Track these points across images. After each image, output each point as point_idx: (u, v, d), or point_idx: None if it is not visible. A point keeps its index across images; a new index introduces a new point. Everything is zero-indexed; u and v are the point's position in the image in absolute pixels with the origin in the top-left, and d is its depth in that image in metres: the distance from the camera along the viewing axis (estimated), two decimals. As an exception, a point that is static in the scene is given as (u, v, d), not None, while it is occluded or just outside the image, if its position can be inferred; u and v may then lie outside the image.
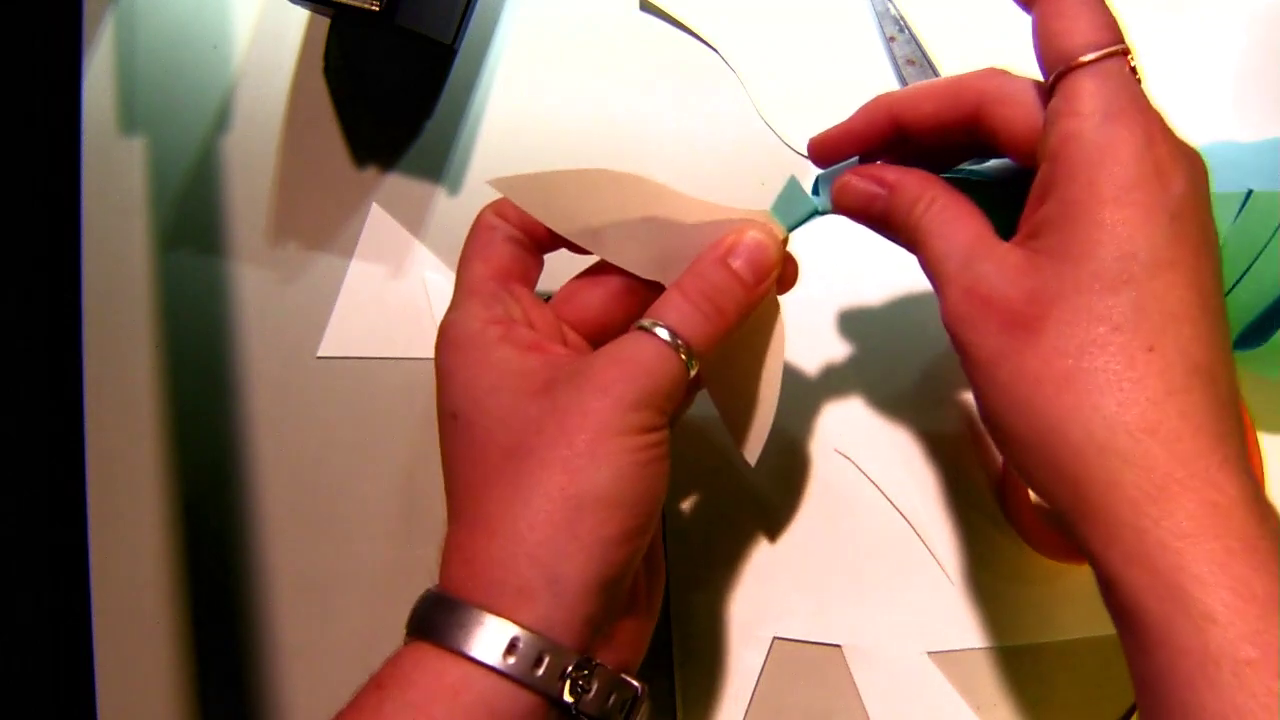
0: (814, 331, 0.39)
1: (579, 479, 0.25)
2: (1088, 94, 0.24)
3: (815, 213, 0.30)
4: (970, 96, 0.27)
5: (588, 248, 0.29)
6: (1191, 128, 0.26)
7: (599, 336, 0.30)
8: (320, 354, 0.40)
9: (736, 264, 0.29)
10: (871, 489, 0.37)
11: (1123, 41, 0.24)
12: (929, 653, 0.36)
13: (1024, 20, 0.42)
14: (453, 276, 0.40)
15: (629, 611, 0.27)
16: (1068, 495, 0.23)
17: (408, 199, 0.41)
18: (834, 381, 0.38)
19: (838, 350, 0.39)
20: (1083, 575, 0.37)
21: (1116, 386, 0.23)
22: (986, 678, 0.36)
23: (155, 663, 0.38)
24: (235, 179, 0.42)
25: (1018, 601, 0.36)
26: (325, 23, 0.43)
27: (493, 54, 0.43)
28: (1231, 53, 0.40)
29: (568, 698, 0.24)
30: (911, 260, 0.28)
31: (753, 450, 0.31)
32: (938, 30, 0.41)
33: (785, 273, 0.31)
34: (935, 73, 0.40)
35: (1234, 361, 0.24)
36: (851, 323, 0.39)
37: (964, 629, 0.36)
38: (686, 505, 0.38)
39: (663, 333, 0.27)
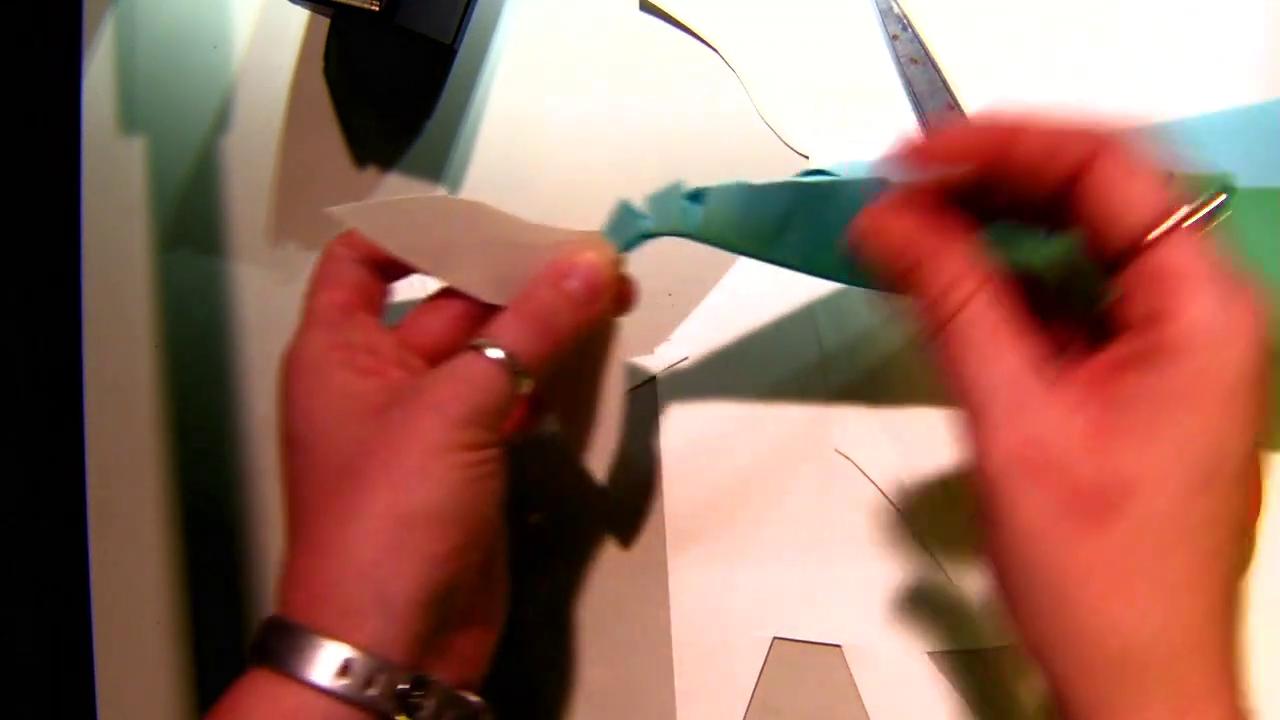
0: (813, 331, 0.39)
1: (407, 497, 0.25)
2: (1197, 270, 0.21)
3: (645, 235, 0.31)
4: (1075, 157, 0.23)
5: (431, 273, 0.30)
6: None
7: (442, 360, 0.30)
8: (320, 354, 0.40)
9: (569, 284, 0.29)
10: (871, 489, 0.37)
11: (1219, 195, 0.22)
12: (929, 653, 0.36)
13: (1025, 18, 0.42)
14: (453, 276, 0.40)
15: (465, 625, 0.27)
16: (1087, 696, 0.21)
17: (408, 199, 0.41)
18: (834, 381, 0.38)
19: (837, 349, 0.39)
20: (1083, 575, 0.37)
21: (1172, 597, 0.21)
22: (986, 678, 0.36)
23: (155, 663, 0.38)
24: (235, 179, 0.42)
25: (1018, 601, 0.36)
26: (325, 23, 0.43)
27: (493, 54, 0.43)
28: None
29: (400, 717, 0.25)
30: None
31: (600, 464, 0.32)
32: (941, 29, 0.41)
33: (622, 294, 0.32)
34: (938, 72, 0.40)
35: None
36: (851, 321, 0.39)
37: (964, 629, 0.36)
38: (686, 505, 0.38)
39: (494, 351, 0.27)
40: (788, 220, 0.31)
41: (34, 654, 0.40)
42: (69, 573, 0.39)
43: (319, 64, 0.43)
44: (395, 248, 0.30)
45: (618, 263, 0.31)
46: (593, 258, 0.30)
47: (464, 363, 0.27)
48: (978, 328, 0.23)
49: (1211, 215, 0.22)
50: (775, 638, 0.36)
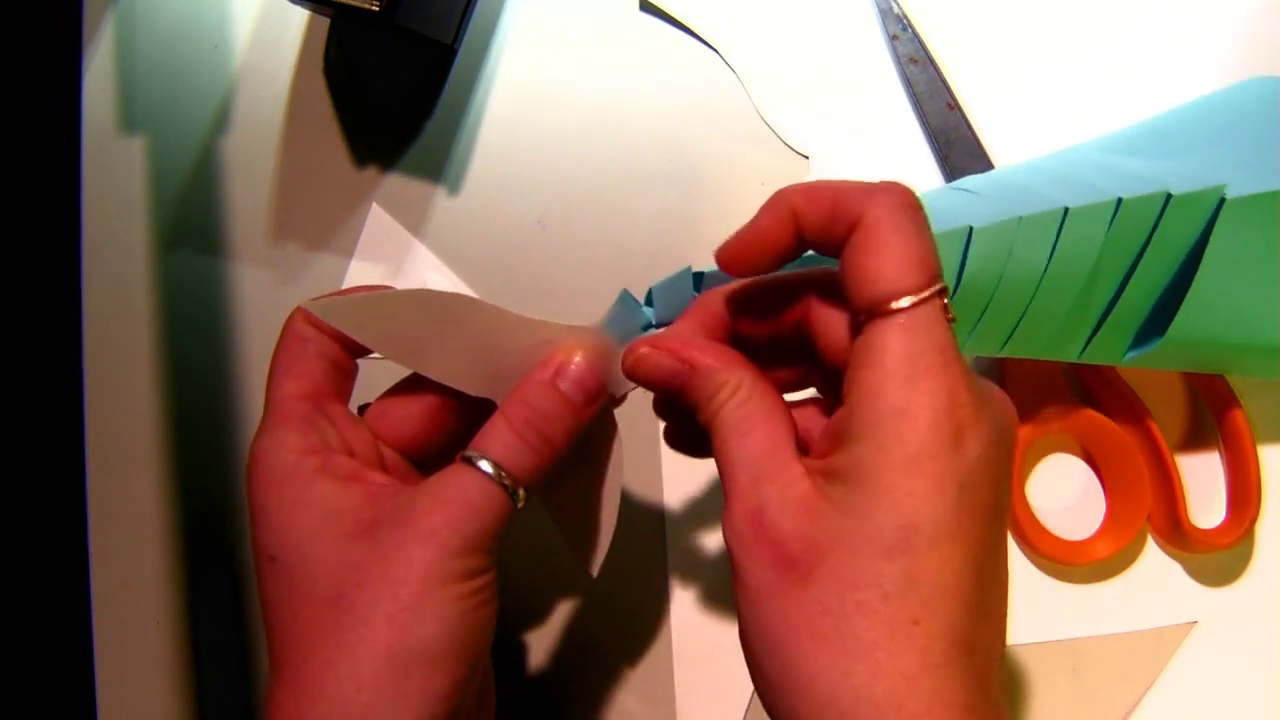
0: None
1: (405, 635, 0.24)
2: (892, 349, 0.23)
3: (650, 325, 0.30)
4: (846, 223, 0.24)
5: (413, 368, 0.28)
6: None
7: (418, 454, 0.29)
8: (320, 354, 0.40)
9: (564, 386, 0.27)
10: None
11: (938, 281, 0.23)
12: (929, 653, 0.36)
13: (1025, 16, 0.42)
14: (453, 276, 0.40)
15: None
16: None
17: (408, 199, 0.41)
18: (834, 381, 0.38)
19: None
20: (1083, 575, 0.37)
21: (872, 655, 0.22)
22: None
23: (155, 663, 0.38)
24: (235, 179, 0.42)
25: (1018, 601, 0.36)
26: (325, 23, 0.43)
27: (493, 54, 0.43)
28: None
29: None
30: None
31: (595, 562, 0.31)
32: (941, 28, 0.41)
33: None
34: (938, 71, 0.40)
35: (1003, 630, 0.24)
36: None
37: (964, 629, 0.36)
38: (686, 505, 0.38)
39: (487, 466, 0.26)
40: None
41: (34, 654, 0.40)
42: (69, 573, 0.39)
43: (319, 64, 0.43)
44: (374, 342, 0.28)
45: (614, 359, 0.28)
46: (588, 360, 0.28)
47: (456, 480, 0.25)
48: (735, 414, 0.25)
49: (935, 298, 0.23)
50: (775, 638, 0.36)
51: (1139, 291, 0.33)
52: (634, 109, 0.42)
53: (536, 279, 0.40)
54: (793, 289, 0.27)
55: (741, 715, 0.36)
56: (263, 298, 0.41)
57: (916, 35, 0.41)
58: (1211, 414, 0.37)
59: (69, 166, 0.42)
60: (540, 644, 0.37)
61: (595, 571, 0.30)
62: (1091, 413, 0.37)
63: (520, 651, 0.37)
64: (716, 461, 0.25)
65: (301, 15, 0.43)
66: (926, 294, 0.23)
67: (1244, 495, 0.35)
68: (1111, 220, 0.31)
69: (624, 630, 0.37)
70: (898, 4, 0.41)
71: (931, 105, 0.40)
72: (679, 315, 0.29)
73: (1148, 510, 0.36)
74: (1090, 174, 0.33)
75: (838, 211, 0.24)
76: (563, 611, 0.37)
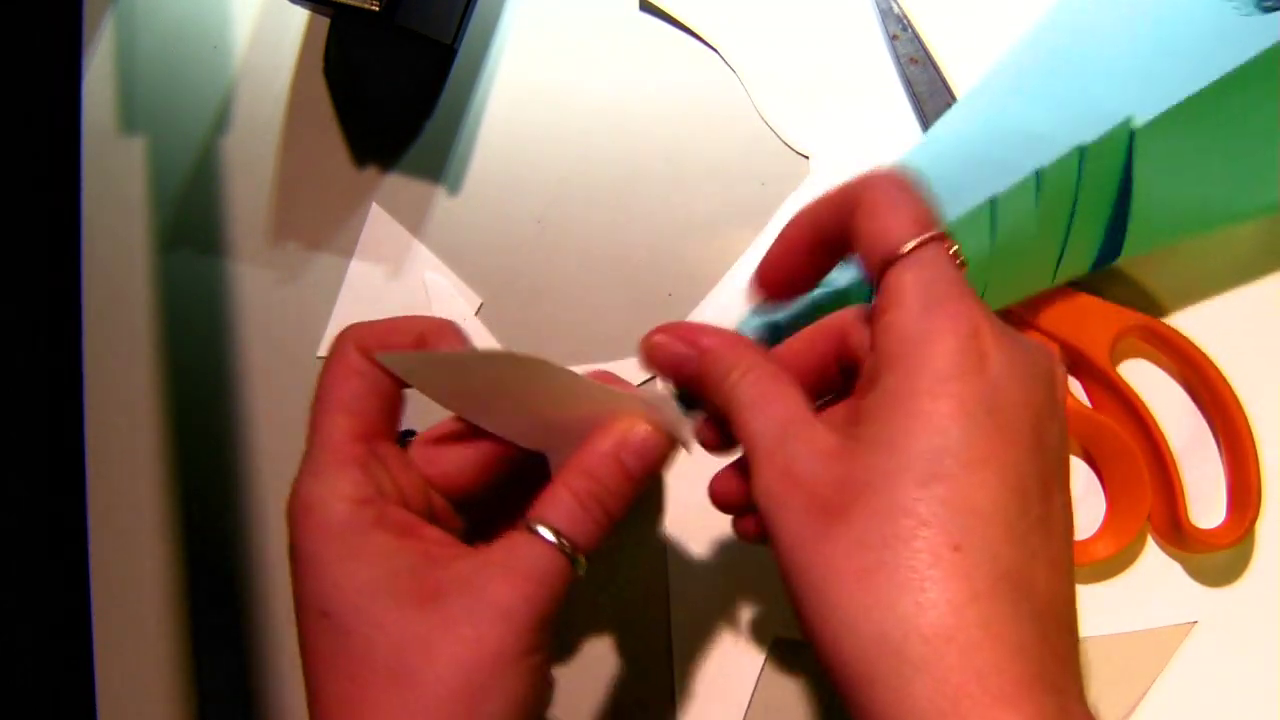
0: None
1: (473, 712, 0.23)
2: (908, 285, 0.23)
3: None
4: (851, 202, 0.26)
5: (475, 421, 0.28)
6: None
7: (464, 498, 0.29)
8: (320, 354, 0.40)
9: (626, 459, 0.27)
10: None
11: (938, 227, 0.24)
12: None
13: (1025, 17, 0.42)
14: (453, 276, 0.40)
15: None
16: (860, 697, 0.22)
17: (408, 199, 0.41)
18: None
19: (838, 350, 0.39)
20: (1083, 575, 0.37)
21: (917, 586, 0.21)
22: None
23: (155, 663, 0.38)
24: (235, 179, 0.42)
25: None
26: (325, 23, 0.43)
27: (493, 54, 0.43)
28: None
29: None
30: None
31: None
32: (941, 28, 0.41)
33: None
34: (938, 71, 0.40)
35: (1069, 572, 0.23)
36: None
37: (964, 629, 0.36)
38: (687, 505, 0.38)
39: (551, 535, 0.25)
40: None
41: (34, 654, 0.40)
42: (69, 573, 0.39)
43: (319, 64, 0.43)
44: (440, 397, 0.27)
45: (676, 430, 0.28)
46: (651, 432, 0.28)
47: (527, 551, 0.25)
48: (750, 390, 0.25)
49: (938, 240, 0.24)
50: (775, 638, 0.36)
51: (1084, 230, 0.34)
52: (634, 109, 0.42)
53: (536, 279, 0.40)
54: (831, 327, 0.28)
55: (741, 715, 0.36)
56: (263, 298, 0.41)
57: (916, 35, 0.41)
58: (1211, 414, 0.37)
59: (69, 166, 0.42)
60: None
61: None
62: (1091, 412, 0.37)
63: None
64: (739, 438, 0.25)
65: (301, 15, 0.43)
66: (929, 234, 0.24)
67: (1244, 495, 0.35)
68: (1037, 192, 0.33)
69: (624, 630, 0.37)
70: (898, 4, 0.41)
71: (931, 105, 0.40)
72: None
73: (1148, 510, 0.36)
74: (999, 149, 0.34)
75: (843, 202, 0.25)
76: (562, 611, 0.37)
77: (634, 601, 0.37)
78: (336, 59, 0.43)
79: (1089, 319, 0.37)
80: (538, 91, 0.42)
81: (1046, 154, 0.33)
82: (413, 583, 0.24)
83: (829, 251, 0.27)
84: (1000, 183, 0.33)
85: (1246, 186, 0.36)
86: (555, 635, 0.26)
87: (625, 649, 0.37)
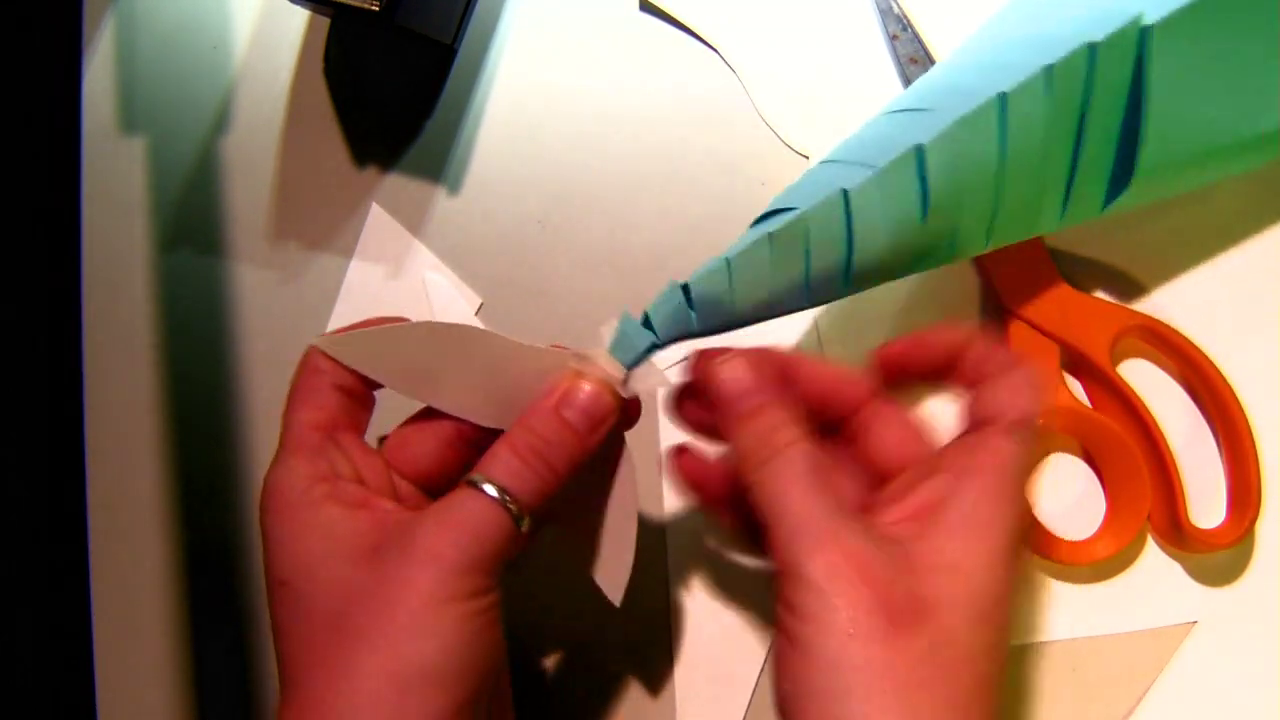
0: (814, 334, 0.39)
1: (403, 656, 0.24)
2: (1010, 449, 0.26)
3: (656, 345, 0.29)
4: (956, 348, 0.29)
5: (424, 400, 0.28)
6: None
7: (434, 486, 0.29)
8: (320, 354, 0.40)
9: (569, 414, 0.28)
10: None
11: (1036, 419, 0.27)
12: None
13: (1024, 20, 0.41)
14: (453, 276, 0.40)
15: None
16: None
17: (408, 199, 0.41)
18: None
19: (838, 349, 0.39)
20: (1083, 575, 0.37)
21: (951, 711, 0.24)
22: (987, 678, 0.36)
23: (155, 663, 0.38)
24: (235, 179, 0.42)
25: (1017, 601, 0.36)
26: (325, 23, 0.43)
27: (493, 54, 0.43)
28: None
29: None
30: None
31: (615, 592, 0.31)
32: (941, 28, 0.41)
33: (629, 410, 0.30)
34: (935, 72, 0.40)
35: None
36: (851, 321, 0.39)
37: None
38: (686, 505, 0.38)
39: (491, 489, 0.26)
40: (773, 274, 0.30)
41: (34, 654, 0.40)
42: (69, 573, 0.39)
43: (319, 64, 0.43)
44: (383, 377, 0.28)
45: (621, 383, 0.29)
46: (593, 386, 0.28)
47: (460, 503, 0.26)
48: (797, 465, 0.26)
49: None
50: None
51: (1096, 143, 0.33)
52: (634, 109, 0.42)
53: (536, 279, 0.40)
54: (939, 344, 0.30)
55: (741, 715, 0.36)
56: (263, 298, 0.41)
57: (916, 35, 0.41)
58: (1211, 414, 0.37)
59: (69, 166, 0.42)
60: (540, 643, 0.37)
61: (618, 601, 0.30)
62: (1091, 412, 0.37)
63: (519, 651, 0.37)
64: (768, 505, 0.26)
65: (301, 15, 0.43)
66: (1032, 417, 0.27)
67: (1244, 495, 0.35)
68: (1046, 90, 0.31)
69: (624, 630, 0.37)
70: (898, 4, 0.41)
71: (931, 105, 0.40)
72: (680, 331, 0.29)
73: (1148, 510, 0.36)
74: (1011, 53, 0.33)
75: (986, 361, 0.29)
76: (562, 611, 0.37)
77: (634, 601, 0.37)
78: (336, 59, 0.43)
79: (1089, 319, 0.37)
80: (538, 91, 0.42)
81: (1058, 55, 0.31)
82: (360, 545, 0.26)
83: (930, 373, 0.30)
84: (1011, 84, 0.31)
85: (1250, 110, 0.34)
86: (498, 590, 0.26)
87: (625, 649, 0.37)
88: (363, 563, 0.25)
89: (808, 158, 0.41)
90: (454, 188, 0.41)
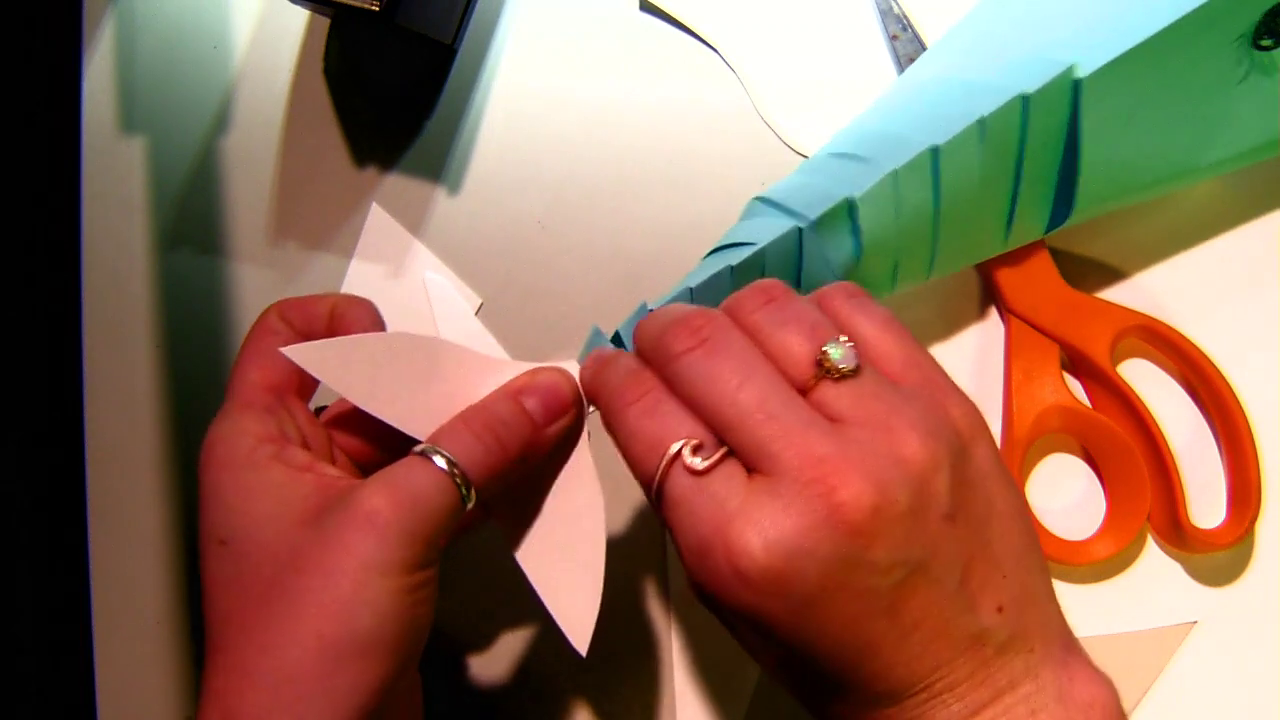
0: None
1: (338, 625, 0.24)
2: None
3: None
4: None
5: (383, 418, 0.27)
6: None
7: (366, 463, 0.29)
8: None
9: (527, 402, 0.28)
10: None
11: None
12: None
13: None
14: (453, 276, 0.40)
15: None
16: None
17: (408, 199, 0.41)
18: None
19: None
20: (1083, 575, 0.37)
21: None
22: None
23: (155, 663, 0.38)
24: (235, 179, 0.42)
25: (1018, 602, 0.36)
26: (325, 23, 0.43)
27: (493, 54, 0.43)
28: None
29: None
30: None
31: (583, 638, 0.28)
32: (941, 29, 0.41)
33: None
34: (935, 72, 0.40)
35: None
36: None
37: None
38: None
39: (440, 460, 0.25)
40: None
41: (34, 654, 0.40)
42: (69, 572, 0.39)
43: (319, 64, 0.43)
44: (346, 389, 0.27)
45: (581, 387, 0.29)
46: (554, 377, 0.28)
47: (406, 469, 0.25)
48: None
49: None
50: (775, 638, 0.36)
51: (1034, 183, 0.34)
52: (634, 109, 0.42)
53: (536, 279, 0.40)
54: None
55: (741, 716, 0.36)
56: (263, 298, 0.41)
57: (916, 35, 0.41)
58: (1211, 414, 0.37)
59: (69, 166, 0.42)
60: (539, 643, 0.37)
61: (584, 650, 0.28)
62: (1091, 412, 0.37)
63: (519, 651, 0.37)
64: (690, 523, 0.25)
65: (301, 15, 0.43)
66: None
67: (1244, 495, 0.35)
68: (980, 140, 0.32)
69: (624, 631, 0.37)
70: (898, 4, 0.41)
71: (931, 105, 0.40)
72: None
73: (1148, 510, 0.36)
74: (945, 103, 0.34)
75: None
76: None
77: (634, 601, 0.37)
78: (336, 59, 0.43)
79: (1089, 319, 0.37)
80: (538, 91, 0.42)
81: (991, 105, 0.32)
82: (304, 508, 0.25)
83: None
84: (945, 135, 0.32)
85: (1199, 141, 0.36)
86: (436, 565, 0.26)
87: (625, 648, 0.37)
88: (304, 526, 0.25)
89: (808, 157, 0.41)
90: (454, 188, 0.41)
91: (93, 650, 0.39)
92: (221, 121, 0.42)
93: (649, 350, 0.26)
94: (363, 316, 0.29)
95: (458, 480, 0.26)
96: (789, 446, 0.23)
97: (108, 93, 0.43)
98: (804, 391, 0.24)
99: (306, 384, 0.29)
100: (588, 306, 0.40)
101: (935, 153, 0.32)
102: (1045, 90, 0.32)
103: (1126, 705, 0.36)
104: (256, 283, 0.41)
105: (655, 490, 0.24)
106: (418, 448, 0.26)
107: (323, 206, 0.41)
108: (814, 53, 0.42)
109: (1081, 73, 0.32)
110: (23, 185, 0.43)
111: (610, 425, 0.26)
